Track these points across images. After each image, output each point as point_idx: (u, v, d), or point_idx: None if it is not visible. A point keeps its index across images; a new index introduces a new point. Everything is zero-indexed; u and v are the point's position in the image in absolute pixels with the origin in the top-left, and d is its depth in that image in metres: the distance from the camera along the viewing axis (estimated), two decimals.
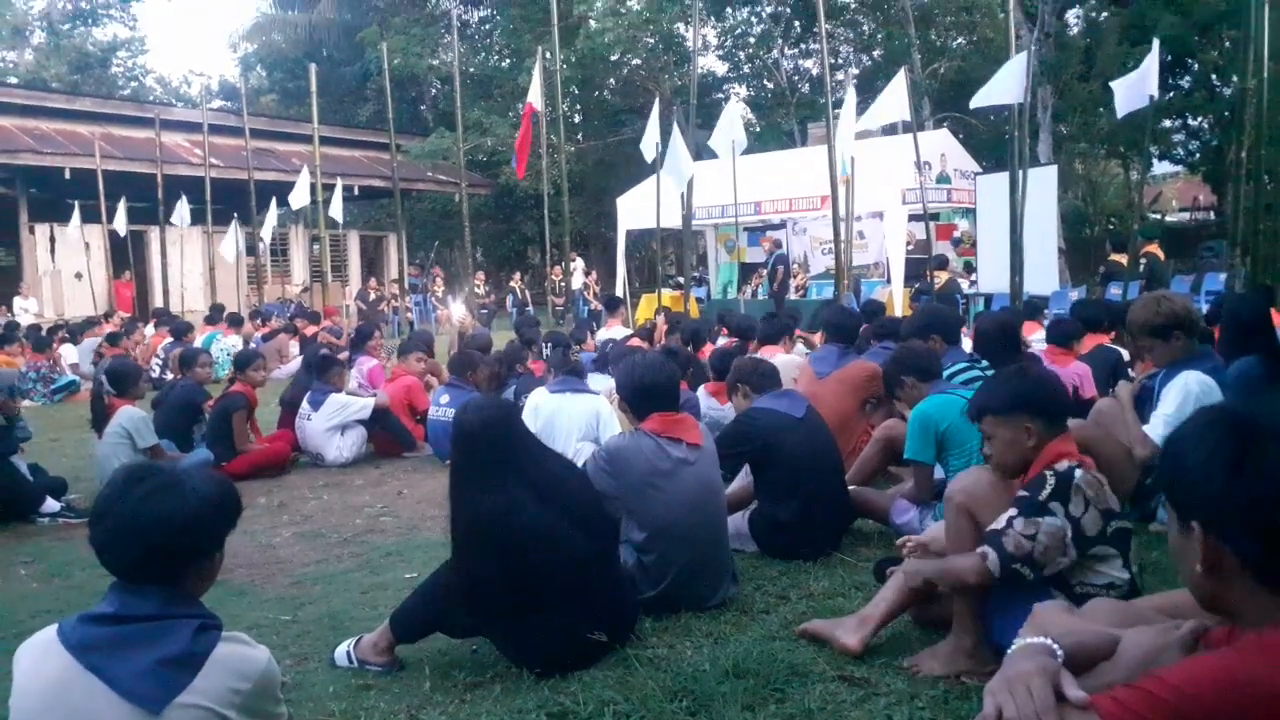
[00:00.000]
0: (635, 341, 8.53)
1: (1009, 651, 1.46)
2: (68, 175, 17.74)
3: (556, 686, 2.88)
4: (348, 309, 19.20)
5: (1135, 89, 9.16)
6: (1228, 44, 18.83)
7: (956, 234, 15.90)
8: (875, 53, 25.30)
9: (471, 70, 26.66)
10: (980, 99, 9.51)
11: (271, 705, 1.93)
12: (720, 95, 25.49)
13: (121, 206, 17.41)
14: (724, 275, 19.19)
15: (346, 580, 4.19)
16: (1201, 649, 1.44)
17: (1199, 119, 22.70)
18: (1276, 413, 1.32)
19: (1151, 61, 8.96)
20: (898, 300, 13.06)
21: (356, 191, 21.92)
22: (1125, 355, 5.82)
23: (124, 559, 1.86)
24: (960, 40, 23.77)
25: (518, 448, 3.08)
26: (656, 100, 13.88)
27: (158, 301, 18.65)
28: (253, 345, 10.68)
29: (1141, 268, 11.35)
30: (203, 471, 2.06)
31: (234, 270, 18.60)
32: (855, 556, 3.98)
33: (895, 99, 10.57)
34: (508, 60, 27.66)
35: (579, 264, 20.39)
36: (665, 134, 12.09)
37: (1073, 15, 22.16)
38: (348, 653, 3.16)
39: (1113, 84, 9.68)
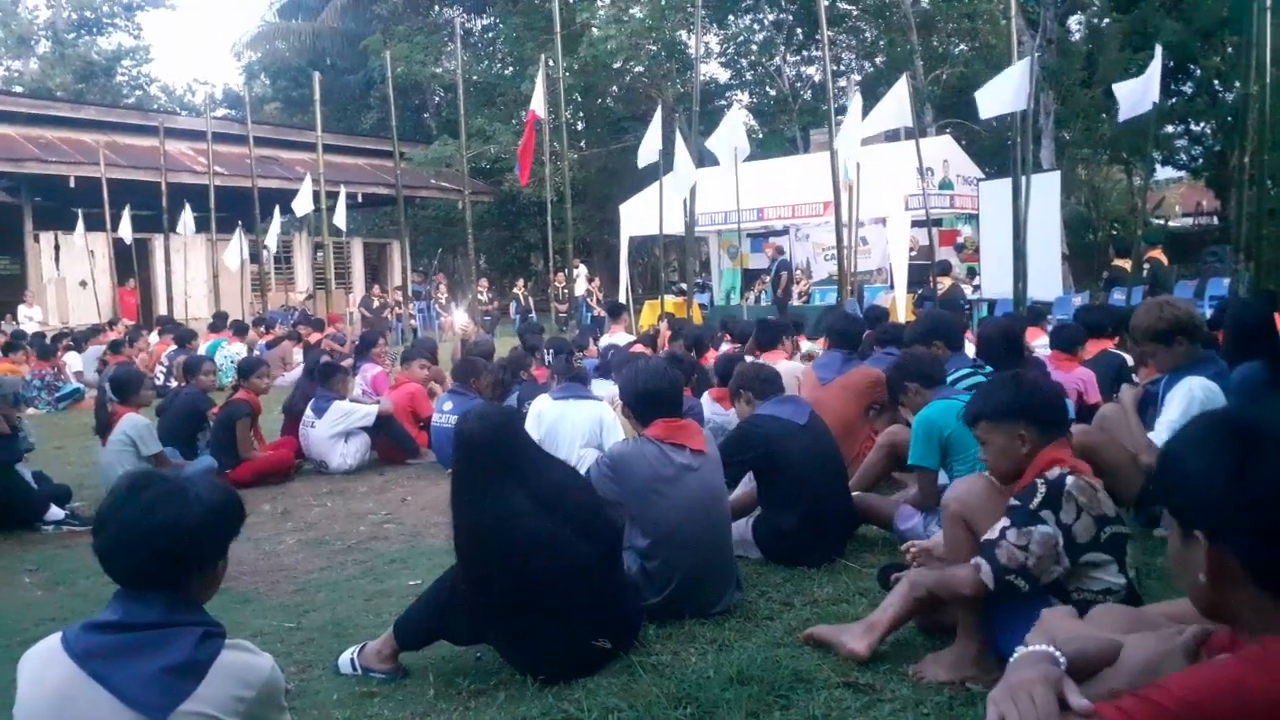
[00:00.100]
0: (638, 348, 8.53)
1: (1012, 659, 1.45)
2: (72, 183, 17.81)
3: (560, 694, 2.87)
4: (351, 316, 19.22)
5: (1138, 95, 9.17)
6: (1229, 49, 18.85)
7: (959, 240, 15.90)
8: (878, 59, 25.34)
9: (475, 78, 26.72)
10: (984, 107, 9.51)
11: (275, 713, 1.93)
12: (723, 102, 25.52)
13: (126, 214, 17.46)
14: (727, 281, 19.20)
15: (350, 587, 4.19)
16: (1204, 655, 1.43)
17: (1201, 124, 22.72)
18: (1278, 416, 1.30)
19: (1154, 68, 8.97)
20: (901, 306, 13.06)
21: (360, 199, 21.98)
22: (1129, 360, 5.81)
23: (127, 567, 1.86)
24: (962, 47, 23.81)
25: (519, 455, 3.09)
26: (659, 107, 13.91)
27: (162, 309, 18.69)
28: (256, 353, 10.71)
29: (1145, 273, 11.34)
30: (206, 479, 2.06)
31: (238, 278, 18.64)
32: (859, 563, 3.97)
33: (896, 104, 10.59)
34: (511, 68, 27.73)
35: (582, 271, 20.41)
36: (669, 141, 12.11)
37: (1075, 21, 22.19)
38: (352, 660, 3.16)
39: (1116, 89, 9.69)
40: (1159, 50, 9.42)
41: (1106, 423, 4.15)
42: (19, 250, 19.44)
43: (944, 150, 15.37)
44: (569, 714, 2.75)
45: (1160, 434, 3.86)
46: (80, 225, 17.67)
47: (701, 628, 3.35)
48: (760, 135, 24.68)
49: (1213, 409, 1.43)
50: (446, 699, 2.93)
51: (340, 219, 16.64)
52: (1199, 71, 20.96)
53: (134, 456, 5.64)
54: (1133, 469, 3.82)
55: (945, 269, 12.93)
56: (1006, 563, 2.56)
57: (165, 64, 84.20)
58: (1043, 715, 1.27)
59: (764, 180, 15.24)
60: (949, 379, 4.34)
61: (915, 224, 13.91)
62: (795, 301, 15.52)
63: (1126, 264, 11.34)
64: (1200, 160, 23.98)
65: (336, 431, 6.73)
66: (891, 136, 13.92)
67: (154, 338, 13.68)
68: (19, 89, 30.96)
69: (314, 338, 13.01)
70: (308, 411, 6.83)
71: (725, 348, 8.42)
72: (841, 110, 11.68)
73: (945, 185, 14.75)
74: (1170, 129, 21.95)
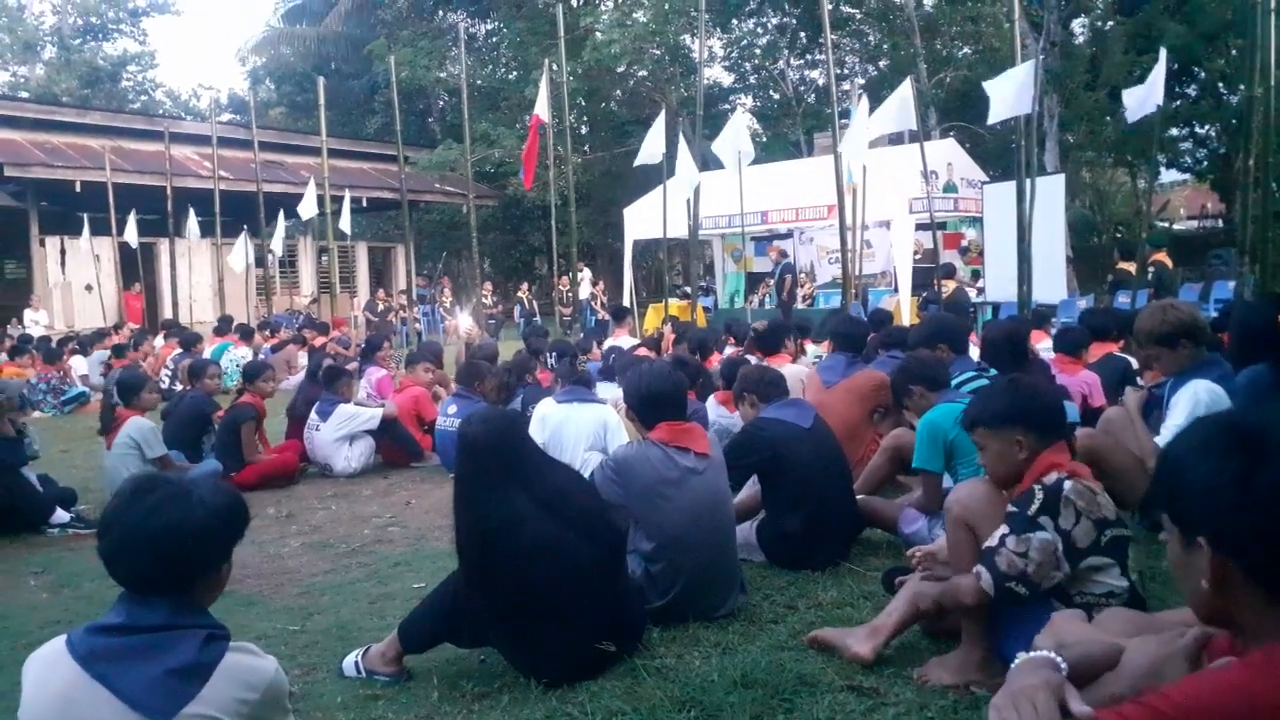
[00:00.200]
0: (642, 351, 8.53)
1: (1013, 665, 1.45)
2: (78, 188, 17.87)
3: (564, 696, 2.87)
4: (356, 320, 19.25)
5: (1144, 97, 9.17)
6: (1234, 52, 18.84)
7: (964, 243, 15.87)
8: (881, 63, 25.35)
9: (479, 82, 26.78)
10: (994, 110, 9.50)
11: (279, 716, 1.93)
12: (727, 106, 25.58)
13: (131, 219, 17.50)
14: (731, 285, 19.19)
15: (354, 590, 4.19)
16: (1205, 658, 1.43)
17: (1206, 127, 22.69)
18: None
19: (1158, 70, 8.96)
20: (905, 309, 13.04)
21: (365, 203, 21.99)
22: (1134, 364, 5.80)
23: (132, 569, 1.87)
24: (966, 50, 23.81)
25: (523, 458, 3.09)
26: (663, 111, 13.92)
27: (167, 313, 18.72)
28: (261, 356, 10.73)
29: (1150, 276, 11.31)
30: (211, 482, 2.07)
31: (243, 282, 18.68)
32: (864, 566, 3.97)
33: (899, 106, 10.59)
34: (515, 72, 27.78)
35: (586, 274, 20.42)
36: (672, 145, 12.12)
37: (1078, 24, 22.20)
38: (356, 663, 3.16)
39: (1125, 92, 9.69)
40: (1163, 53, 9.41)
41: (1111, 426, 4.15)
42: (25, 254, 19.51)
43: (948, 153, 15.36)
44: (573, 717, 2.76)
45: (1165, 438, 3.86)
46: (86, 230, 17.70)
47: (705, 631, 3.35)
48: (764, 139, 24.67)
49: (1213, 414, 1.40)
50: (451, 702, 2.93)
51: (345, 223, 16.66)
52: (1203, 74, 20.94)
53: (139, 460, 5.65)
54: (1137, 472, 3.82)
55: (949, 272, 12.92)
56: (1006, 570, 2.56)
57: (170, 69, 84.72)
58: None
59: (768, 183, 15.23)
60: (954, 382, 4.33)
61: (919, 227, 13.91)
62: (799, 305, 15.50)
63: (1131, 267, 11.32)
64: (1205, 163, 23.94)
65: (341, 435, 6.74)
66: (895, 140, 13.93)
67: (159, 341, 13.72)
68: (25, 94, 31.08)
69: (319, 341, 13.03)
70: (312, 415, 6.84)
71: (729, 351, 8.42)
72: (845, 114, 11.67)
73: (949, 188, 14.74)
74: (1175, 132, 21.92)
